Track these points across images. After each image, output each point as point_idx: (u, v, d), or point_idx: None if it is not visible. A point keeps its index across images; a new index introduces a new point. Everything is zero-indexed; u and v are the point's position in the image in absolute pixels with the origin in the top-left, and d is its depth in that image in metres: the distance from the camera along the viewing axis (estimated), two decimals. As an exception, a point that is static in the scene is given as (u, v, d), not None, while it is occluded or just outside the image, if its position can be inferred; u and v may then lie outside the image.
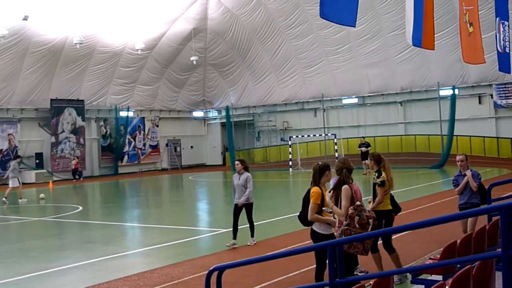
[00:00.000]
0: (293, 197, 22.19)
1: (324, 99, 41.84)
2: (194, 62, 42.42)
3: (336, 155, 35.86)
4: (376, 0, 34.70)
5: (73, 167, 38.66)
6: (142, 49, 38.64)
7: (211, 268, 6.13)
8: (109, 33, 37.48)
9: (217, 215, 18.98)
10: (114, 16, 36.21)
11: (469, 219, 9.77)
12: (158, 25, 39.44)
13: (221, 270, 6.09)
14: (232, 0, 39.68)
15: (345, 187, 6.74)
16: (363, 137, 32.96)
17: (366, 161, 28.29)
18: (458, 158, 10.00)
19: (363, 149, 31.05)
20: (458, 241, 6.36)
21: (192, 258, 11.09)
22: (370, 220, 6.53)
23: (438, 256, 6.55)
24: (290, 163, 38.39)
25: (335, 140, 37.48)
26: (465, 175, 9.87)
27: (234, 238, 11.92)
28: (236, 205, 12.08)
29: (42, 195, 25.71)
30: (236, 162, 12.34)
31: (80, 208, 21.23)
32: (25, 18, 32.27)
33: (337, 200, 6.83)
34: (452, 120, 34.99)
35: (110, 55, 39.19)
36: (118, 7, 35.63)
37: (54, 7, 33.14)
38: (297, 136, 40.14)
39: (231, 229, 12.14)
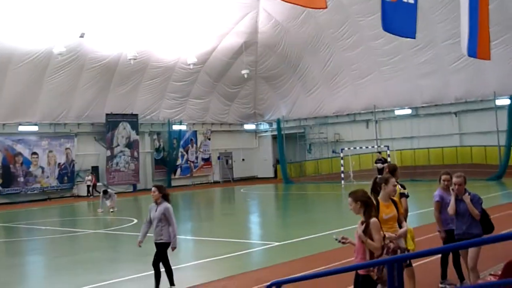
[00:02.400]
0: (346, 210, 21.88)
1: (376, 110, 41.38)
2: (245, 76, 42.68)
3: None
4: (429, 9, 34.15)
5: (89, 183, 37.37)
6: (194, 64, 39.17)
7: (269, 283, 6.11)
8: (161, 48, 38.14)
9: (269, 228, 18.94)
10: (166, 32, 36.82)
11: (469, 251, 8.27)
12: (209, 39, 39.88)
13: (279, 284, 6.08)
14: (282, 13, 39.79)
15: (375, 220, 6.39)
16: (379, 152, 31.66)
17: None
18: (454, 180, 8.35)
19: (379, 165, 29.40)
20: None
21: (246, 272, 11.08)
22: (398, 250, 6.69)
23: (499, 273, 6.34)
24: (342, 175, 38.05)
25: (388, 152, 36.95)
26: (462, 199, 8.33)
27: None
28: (156, 245, 9.75)
29: (100, 210, 26.12)
30: (153, 189, 9.81)
31: (135, 221, 21.52)
32: (82, 36, 33.25)
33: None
34: (510, 130, 34.02)
35: (163, 70, 39.84)
36: (170, 22, 36.23)
37: (109, 24, 33.99)
38: (349, 148, 39.79)
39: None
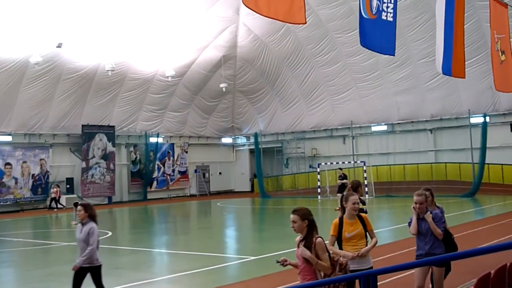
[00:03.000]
0: (321, 224, 21.95)
1: (353, 126, 41.69)
2: (224, 89, 42.77)
3: (366, 183, 35.57)
4: (406, 27, 34.65)
5: (54, 195, 36.28)
6: (172, 76, 39.16)
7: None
8: (140, 60, 38.07)
9: (245, 242, 18.91)
10: (145, 44, 36.77)
11: (434, 273, 8.05)
12: (188, 52, 39.92)
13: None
14: (261, 28, 40.02)
15: (320, 240, 6.25)
16: (340, 169, 30.80)
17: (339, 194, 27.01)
18: (415, 199, 8.00)
19: (339, 182, 28.65)
20: (492, 272, 6.23)
21: (221, 286, 11.04)
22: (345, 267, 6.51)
23: (472, 288, 6.40)
24: (319, 190, 38.17)
25: (365, 168, 37.20)
26: (423, 218, 7.98)
27: None
28: (83, 270, 8.80)
29: (73, 223, 25.85)
30: (78, 208, 9.01)
31: (109, 233, 21.34)
32: (59, 46, 33.05)
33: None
34: (483, 148, 34.49)
35: (141, 81, 39.74)
36: (149, 34, 36.19)
37: (87, 35, 33.82)
38: (326, 163, 39.96)
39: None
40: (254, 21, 38.30)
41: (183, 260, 14.99)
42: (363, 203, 9.13)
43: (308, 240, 6.24)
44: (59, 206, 36.14)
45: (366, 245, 7.24)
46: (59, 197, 36.65)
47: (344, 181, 27.68)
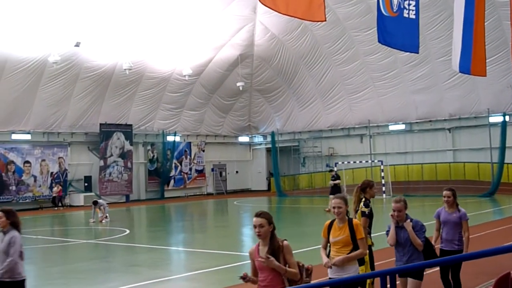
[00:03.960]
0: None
1: (370, 125, 41.53)
2: (240, 88, 42.79)
3: (383, 182, 35.42)
4: (425, 26, 34.41)
5: (55, 195, 36.34)
6: (190, 75, 39.24)
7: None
8: (157, 59, 38.23)
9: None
10: (162, 43, 36.93)
11: (409, 284, 7.42)
12: (205, 51, 40.01)
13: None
14: (278, 26, 40.01)
15: (287, 243, 5.95)
16: (332, 169, 29.49)
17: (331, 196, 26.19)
18: (394, 206, 7.50)
19: (331, 182, 27.24)
20: None
21: (237, 284, 11.07)
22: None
23: (490, 288, 6.36)
24: (336, 189, 38.03)
25: (382, 167, 37.04)
26: (402, 227, 7.46)
27: None
28: (3, 285, 7.51)
29: (91, 220, 25.95)
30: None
31: (127, 231, 21.51)
32: (77, 45, 33.34)
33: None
34: (502, 148, 34.19)
35: (158, 80, 39.91)
36: (166, 33, 36.35)
37: (105, 34, 34.06)
38: (342, 163, 39.86)
39: None
40: (271, 19, 38.30)
41: (200, 258, 15.05)
42: (366, 205, 9.00)
43: (274, 245, 5.84)
44: (59, 205, 36.23)
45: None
46: (61, 196, 36.70)
47: (337, 181, 26.82)
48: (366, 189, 9.14)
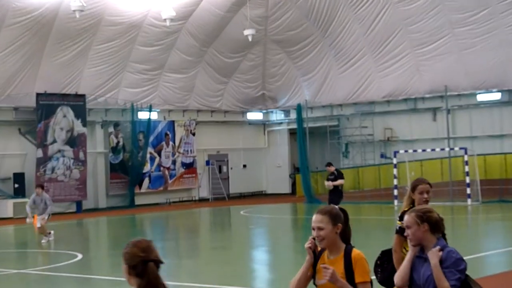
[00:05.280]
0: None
1: (448, 94, 41.26)
2: (250, 38, 42.55)
3: (467, 181, 35.21)
4: None
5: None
6: (172, 19, 39.04)
7: None
8: (123, -5, 38.18)
9: (283, 269, 18.86)
10: (130, -30, 36.88)
11: None
12: (195, -18, 39.94)
13: None
14: None
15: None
16: (330, 164, 27.79)
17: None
18: (406, 220, 6.51)
19: (329, 183, 26.07)
20: None
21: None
22: None
23: None
24: (396, 192, 37.89)
25: (466, 158, 36.81)
26: (425, 258, 6.43)
27: None
28: None
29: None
30: None
31: (79, 256, 21.45)
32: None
33: None
34: None
35: (124, 27, 39.80)
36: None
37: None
38: (406, 151, 39.65)
39: None
40: None
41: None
42: (401, 217, 8.72)
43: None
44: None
45: None
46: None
47: (338, 182, 25.91)
48: (414, 191, 8.85)
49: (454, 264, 6.24)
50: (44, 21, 36.87)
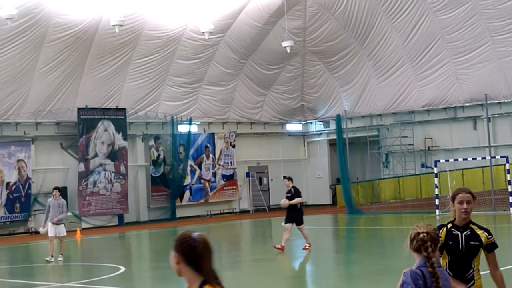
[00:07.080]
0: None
1: (488, 102, 40.93)
2: (288, 50, 42.56)
3: (510, 189, 34.83)
4: None
5: None
6: (210, 32, 39.17)
7: None
8: (161, 10, 38.30)
9: (326, 280, 18.82)
10: (168, -15, 37.06)
11: None
12: (233, -5, 40.04)
13: None
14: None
15: None
16: (287, 178, 27.34)
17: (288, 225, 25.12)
18: (420, 236, 6.29)
19: (286, 202, 25.61)
20: None
21: None
22: None
23: None
24: (438, 201, 37.63)
25: (507, 166, 36.43)
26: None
27: None
28: None
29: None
30: None
31: (122, 269, 21.53)
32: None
33: None
34: None
35: (164, 41, 40.01)
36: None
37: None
38: (447, 160, 39.37)
39: None
40: None
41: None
42: (488, 231, 8.21)
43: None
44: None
45: None
46: None
47: (295, 201, 24.99)
48: (454, 200, 8.34)
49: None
50: (84, 37, 37.14)
